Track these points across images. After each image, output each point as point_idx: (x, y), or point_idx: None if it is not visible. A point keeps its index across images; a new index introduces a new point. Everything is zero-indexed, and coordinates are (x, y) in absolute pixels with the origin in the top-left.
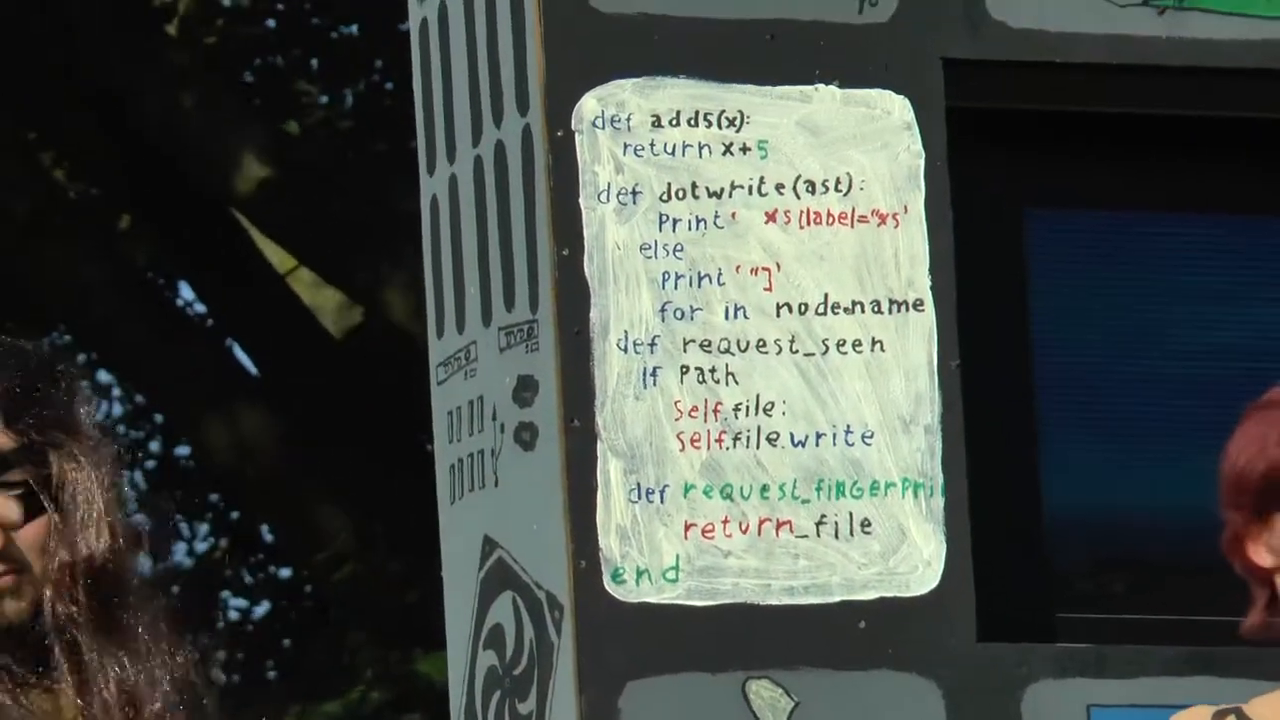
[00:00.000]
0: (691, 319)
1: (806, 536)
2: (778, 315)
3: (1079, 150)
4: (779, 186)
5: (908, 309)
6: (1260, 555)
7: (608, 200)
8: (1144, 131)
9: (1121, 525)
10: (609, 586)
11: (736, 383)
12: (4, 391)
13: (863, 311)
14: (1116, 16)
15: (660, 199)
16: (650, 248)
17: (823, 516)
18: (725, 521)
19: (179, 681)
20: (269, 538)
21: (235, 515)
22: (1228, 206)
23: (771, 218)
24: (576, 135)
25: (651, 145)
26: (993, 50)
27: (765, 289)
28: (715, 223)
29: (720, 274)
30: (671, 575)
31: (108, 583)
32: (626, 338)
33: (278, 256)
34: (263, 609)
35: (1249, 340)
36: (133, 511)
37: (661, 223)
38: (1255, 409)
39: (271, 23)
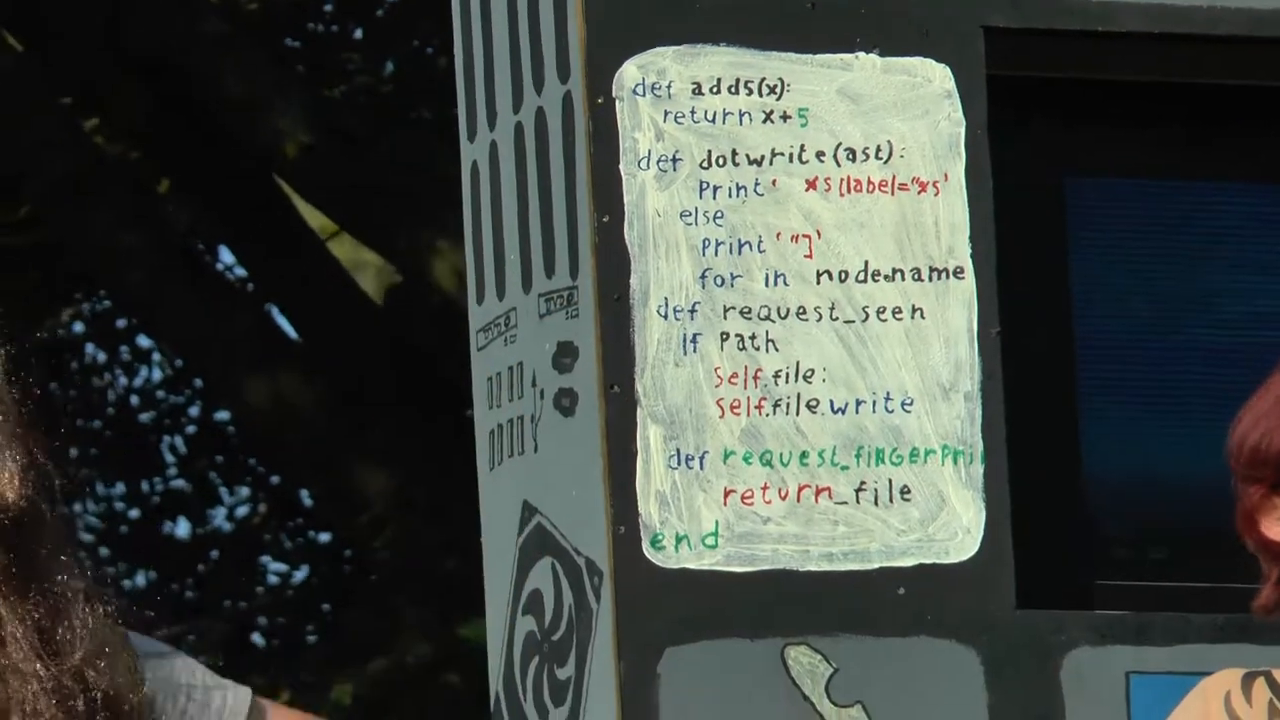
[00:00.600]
0: (732, 286)
1: (846, 503)
2: (818, 282)
3: (1120, 119)
4: (819, 154)
5: (948, 276)
6: (1275, 530)
7: (648, 167)
8: (1185, 100)
9: (1161, 493)
10: (648, 552)
11: (776, 349)
12: None
13: (903, 279)
14: None
15: (700, 166)
16: (690, 214)
17: (862, 483)
18: (765, 488)
19: (99, 628)
20: (308, 502)
21: (275, 480)
22: (1270, 176)
23: (812, 185)
24: (617, 102)
25: (692, 112)
26: (1033, 18)
27: (805, 256)
28: (755, 190)
29: (760, 241)
30: (711, 541)
31: (22, 534)
32: (666, 304)
33: (318, 221)
34: (302, 573)
35: None
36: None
37: (702, 190)
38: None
39: None
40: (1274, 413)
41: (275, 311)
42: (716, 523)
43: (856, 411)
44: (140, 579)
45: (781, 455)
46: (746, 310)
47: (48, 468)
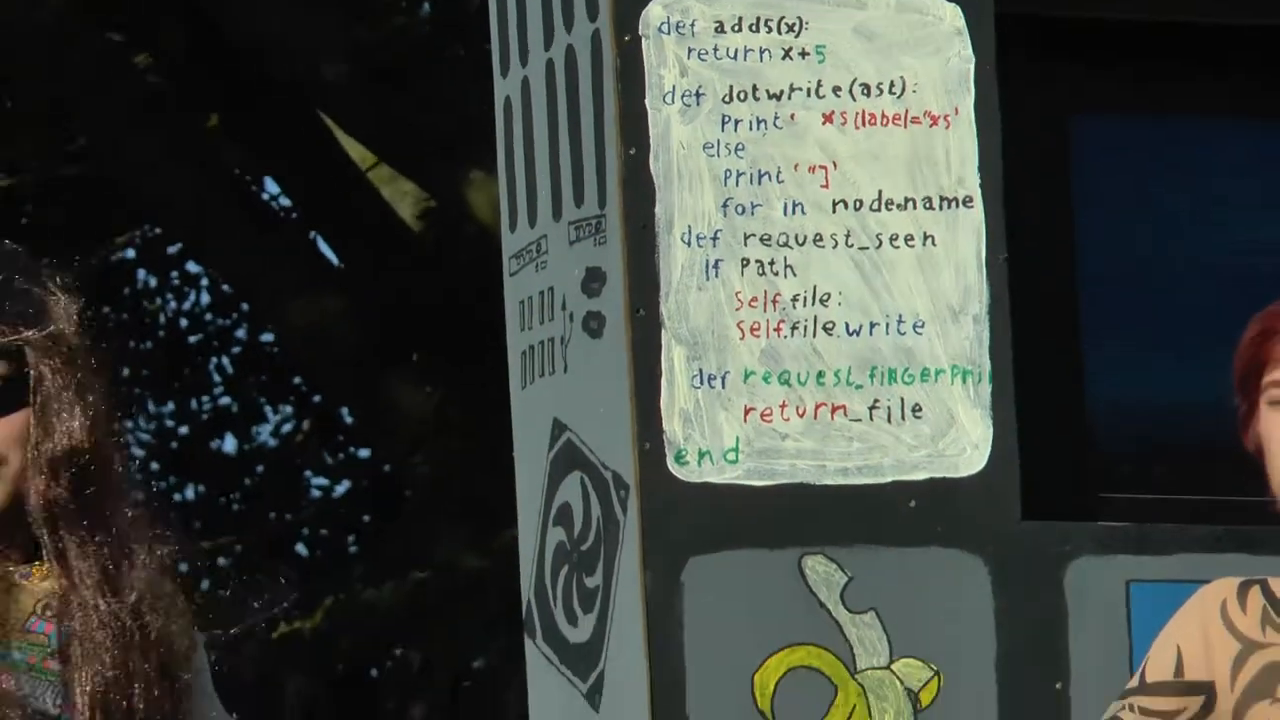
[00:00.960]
0: (752, 214)
1: (860, 420)
2: (834, 211)
3: (1123, 57)
4: (836, 89)
5: (957, 205)
6: (1250, 439)
7: (672, 102)
8: (1187, 40)
9: (1160, 410)
10: (672, 467)
11: (794, 275)
12: None
13: (915, 208)
14: None
15: (723, 100)
16: (713, 147)
17: (875, 401)
18: (783, 406)
19: (157, 571)
20: (349, 420)
21: (317, 398)
22: (1267, 113)
23: (828, 119)
24: (643, 40)
25: (715, 50)
26: None
27: (822, 186)
28: (775, 123)
29: (779, 172)
30: (732, 456)
31: (88, 472)
32: (690, 232)
33: (358, 153)
34: (343, 488)
35: None
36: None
37: (724, 123)
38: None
39: None
40: (1246, 337)
41: (318, 238)
42: (737, 439)
43: (870, 333)
44: (190, 492)
45: (799, 375)
46: (766, 237)
47: (115, 416)
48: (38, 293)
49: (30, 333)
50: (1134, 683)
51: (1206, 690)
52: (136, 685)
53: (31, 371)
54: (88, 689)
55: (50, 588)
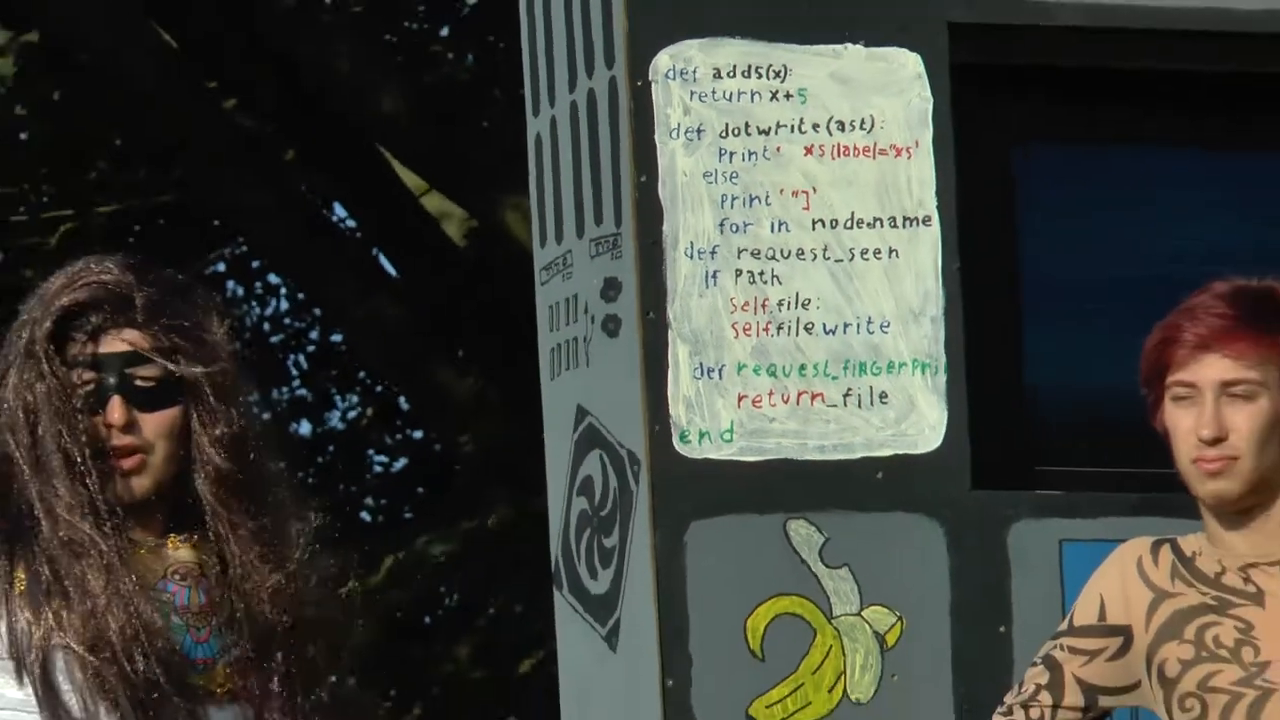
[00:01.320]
0: (744, 232)
1: (835, 405)
2: (813, 229)
3: (1057, 96)
4: (815, 125)
5: (918, 224)
6: (1159, 426)
7: (677, 137)
8: (1111, 81)
9: (1089, 397)
10: (677, 445)
11: (780, 283)
12: (144, 302)
13: (881, 226)
14: None
15: (719, 136)
16: (711, 175)
17: (848, 390)
18: (770, 394)
19: (306, 545)
20: (405, 406)
21: (378, 389)
22: (1184, 142)
23: (809, 151)
24: (653, 85)
25: (713, 93)
26: (988, 15)
27: (804, 208)
28: (764, 155)
29: (767, 196)
30: (727, 436)
31: (237, 458)
32: (692, 247)
33: (412, 181)
34: (400, 464)
35: (1199, 250)
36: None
37: (720, 155)
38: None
39: None
40: (1150, 343)
41: (379, 254)
42: (732, 422)
43: (844, 332)
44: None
45: (784, 368)
46: (756, 251)
47: (258, 411)
48: (192, 308)
49: (184, 343)
50: (1064, 626)
51: (1125, 632)
52: (308, 642)
53: (185, 376)
54: (268, 637)
55: (184, 557)
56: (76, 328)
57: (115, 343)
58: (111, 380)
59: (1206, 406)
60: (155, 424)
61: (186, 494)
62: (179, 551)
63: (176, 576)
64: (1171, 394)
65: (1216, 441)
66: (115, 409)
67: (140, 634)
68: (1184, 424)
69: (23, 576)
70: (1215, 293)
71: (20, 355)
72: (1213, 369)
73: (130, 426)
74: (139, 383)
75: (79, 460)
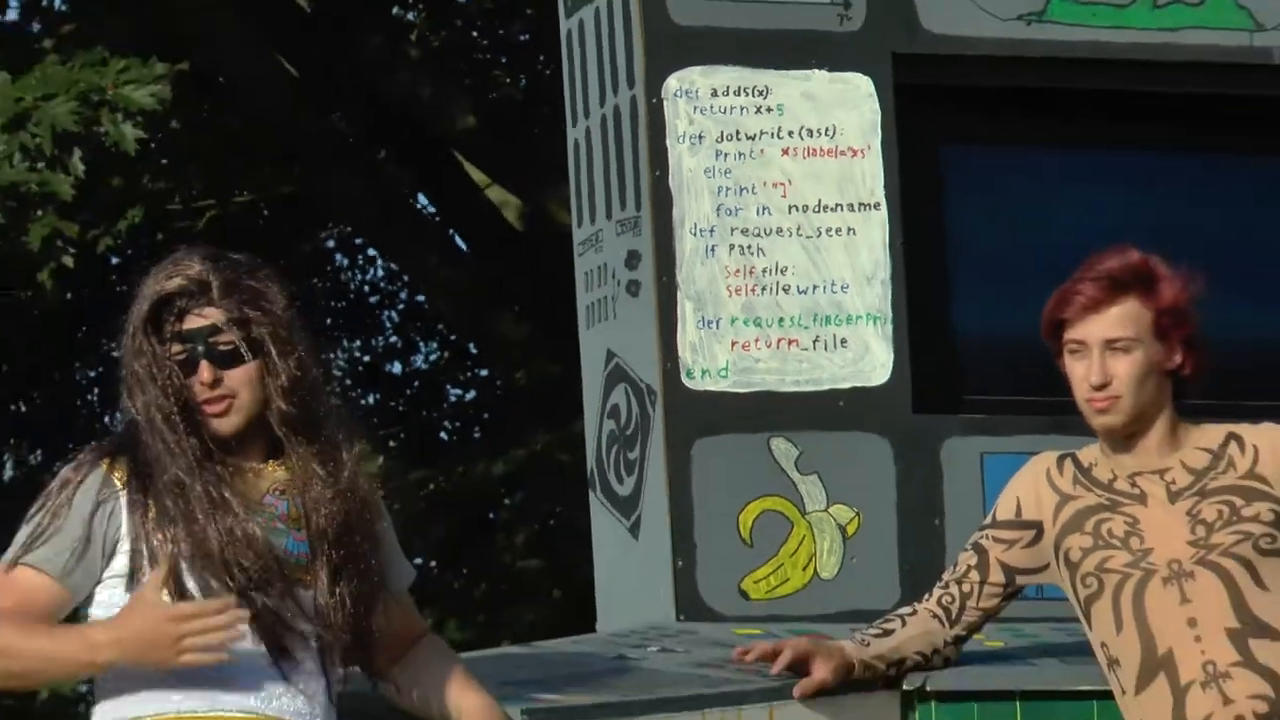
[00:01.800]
0: (736, 215)
1: (807, 349)
2: (789, 213)
3: (977, 109)
4: (790, 132)
5: (870, 208)
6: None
7: (684, 142)
8: (1018, 96)
9: (1005, 340)
10: (684, 380)
11: (764, 254)
12: (221, 282)
13: (842, 210)
14: (1001, 26)
15: (716, 141)
16: (710, 170)
17: (817, 337)
18: (756, 340)
19: (358, 457)
20: (474, 350)
21: (453, 337)
22: (1072, 143)
23: (786, 152)
24: (664, 101)
25: (710, 108)
26: (924, 47)
27: (782, 196)
28: (750, 155)
29: (754, 187)
30: (723, 373)
31: (304, 400)
32: (695, 227)
33: (478, 177)
34: (470, 395)
35: (1098, 226)
36: (321, 353)
37: (717, 155)
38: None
39: (475, 33)
40: (1049, 305)
41: (453, 233)
42: (727, 362)
43: (813, 293)
44: (371, 399)
45: (767, 320)
46: (745, 230)
47: (319, 358)
48: (257, 285)
49: (253, 313)
50: (988, 520)
51: (1037, 526)
52: (357, 532)
53: (255, 337)
54: (325, 534)
55: (280, 476)
56: (168, 311)
57: (198, 319)
58: (199, 349)
59: (1094, 359)
60: (236, 378)
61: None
62: (277, 472)
63: (277, 492)
64: (1067, 348)
65: (1103, 386)
66: (204, 371)
67: (237, 543)
68: (1078, 372)
69: (153, 507)
70: (1098, 265)
71: (128, 338)
72: (1097, 328)
73: (217, 383)
74: (220, 348)
75: (174, 416)
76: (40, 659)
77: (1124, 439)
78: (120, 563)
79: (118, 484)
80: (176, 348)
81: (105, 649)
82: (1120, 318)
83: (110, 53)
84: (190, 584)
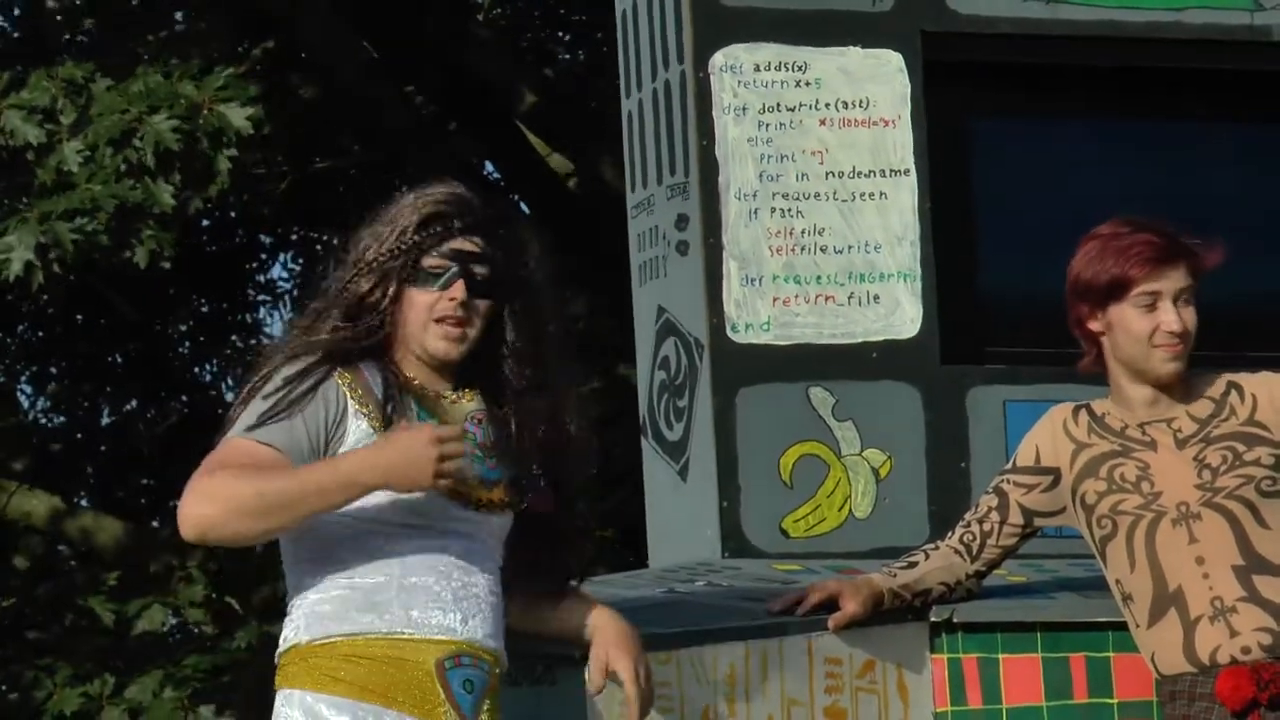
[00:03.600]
0: (776, 181)
1: (843, 305)
2: (826, 179)
3: (1001, 85)
4: (827, 104)
5: (900, 174)
6: (1097, 326)
7: (729, 113)
8: (1042, 74)
9: (1026, 297)
10: (729, 333)
11: (803, 217)
12: (488, 219)
13: (875, 176)
14: (1022, 6)
15: (759, 112)
16: (753, 140)
17: (852, 293)
18: (796, 297)
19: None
20: None
21: None
22: (1087, 114)
23: (823, 123)
24: (711, 76)
25: (754, 81)
26: (950, 26)
27: (819, 163)
28: (790, 126)
29: (794, 155)
30: (765, 327)
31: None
32: (740, 191)
33: (540, 146)
34: None
35: (1111, 192)
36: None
37: (759, 126)
38: (1088, 239)
39: (537, 13)
40: (1096, 259)
41: (517, 198)
42: (769, 317)
43: (849, 253)
44: None
45: (805, 277)
46: (785, 195)
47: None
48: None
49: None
50: (1009, 466)
51: (1055, 472)
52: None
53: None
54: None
55: (474, 406)
56: (440, 226)
57: (466, 244)
58: (457, 269)
59: (1172, 309)
60: (481, 308)
61: (477, 362)
62: (471, 402)
63: (476, 420)
64: (1133, 301)
65: (1183, 334)
66: (459, 289)
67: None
68: (1146, 324)
69: (378, 418)
70: (1141, 224)
71: (387, 232)
72: (1171, 280)
73: (465, 305)
74: (477, 275)
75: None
76: (300, 485)
77: (1154, 388)
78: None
79: (347, 394)
80: (434, 261)
81: (366, 471)
82: (1186, 271)
83: (207, 55)
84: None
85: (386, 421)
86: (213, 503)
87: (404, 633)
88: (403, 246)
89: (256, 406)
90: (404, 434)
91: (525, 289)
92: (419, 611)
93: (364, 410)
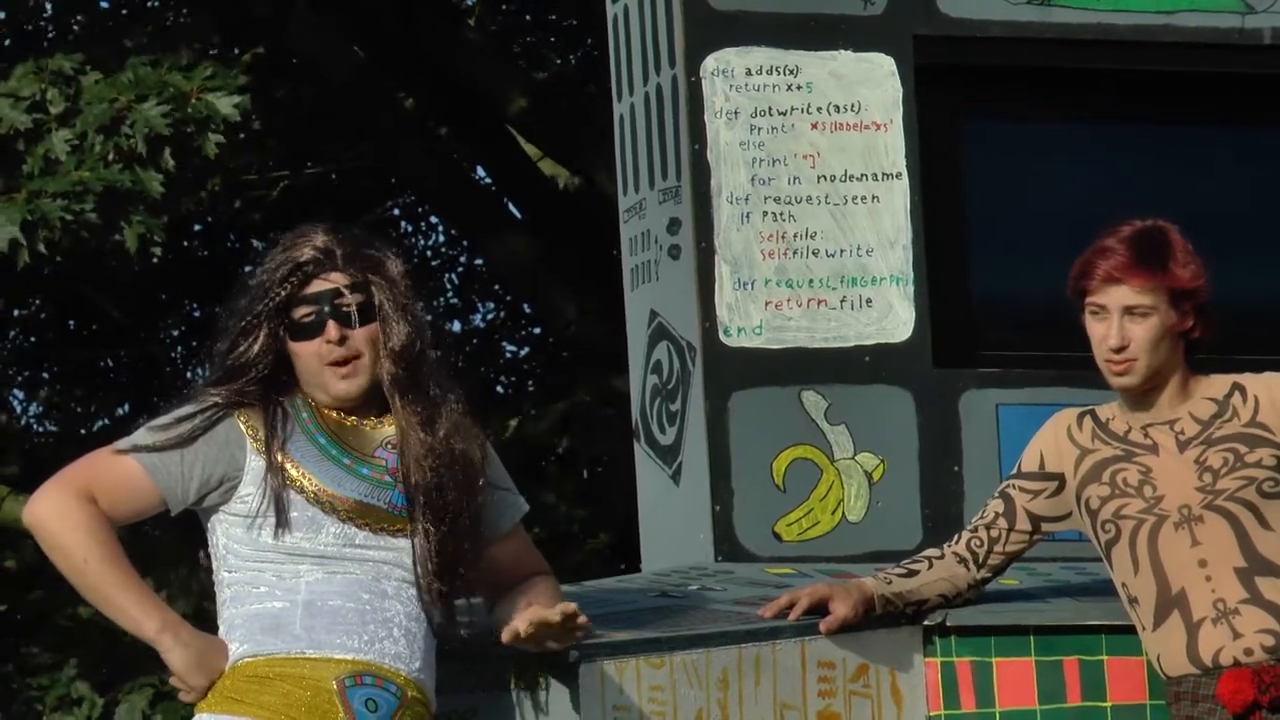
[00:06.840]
0: (768, 184)
1: (835, 308)
2: (818, 182)
3: (992, 88)
4: (819, 109)
5: (893, 178)
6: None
7: (720, 117)
8: (1033, 77)
9: (1019, 300)
10: (722, 337)
11: (795, 220)
12: (345, 252)
13: (867, 179)
14: (1013, 10)
15: (750, 116)
16: (745, 144)
17: (844, 297)
18: (788, 300)
19: (458, 413)
20: (528, 310)
21: (508, 297)
22: (1078, 116)
23: (815, 126)
24: (703, 79)
25: (745, 85)
26: (941, 29)
27: (811, 167)
28: (782, 129)
29: (785, 158)
30: (757, 331)
31: (412, 359)
32: (732, 195)
33: (532, 151)
34: (525, 351)
35: (1106, 192)
36: (424, 316)
37: (751, 129)
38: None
39: (528, 17)
40: (1077, 263)
41: (509, 201)
42: (761, 320)
43: (841, 256)
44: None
45: (798, 281)
46: (777, 198)
47: (428, 323)
48: (377, 254)
49: (372, 277)
50: (1015, 471)
51: (1059, 478)
52: (450, 487)
53: (375, 300)
54: (419, 488)
55: (390, 433)
56: (298, 274)
57: (323, 284)
58: (325, 309)
59: (1113, 323)
60: (360, 337)
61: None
62: (389, 428)
63: (389, 445)
64: (1088, 311)
65: (1121, 349)
66: (330, 329)
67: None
68: (1097, 334)
69: (278, 456)
70: (1119, 235)
71: (259, 293)
72: (1117, 296)
73: (343, 340)
74: (344, 309)
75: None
76: (119, 592)
77: (1140, 395)
78: (239, 507)
79: (245, 434)
80: (304, 310)
81: (170, 647)
82: (1140, 288)
83: (195, 54)
84: (294, 515)
85: (270, 463)
86: (62, 521)
87: (306, 653)
88: (271, 304)
89: (144, 433)
90: (218, 657)
91: (395, 303)
92: (324, 633)
93: (259, 449)
